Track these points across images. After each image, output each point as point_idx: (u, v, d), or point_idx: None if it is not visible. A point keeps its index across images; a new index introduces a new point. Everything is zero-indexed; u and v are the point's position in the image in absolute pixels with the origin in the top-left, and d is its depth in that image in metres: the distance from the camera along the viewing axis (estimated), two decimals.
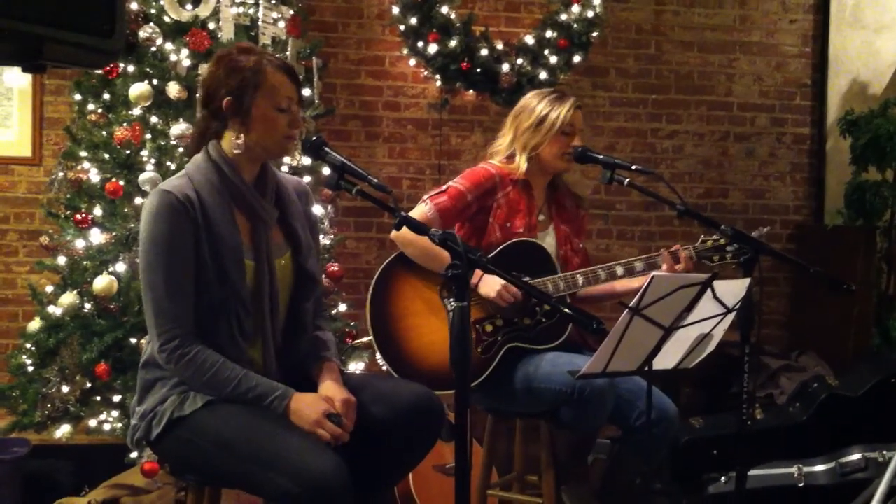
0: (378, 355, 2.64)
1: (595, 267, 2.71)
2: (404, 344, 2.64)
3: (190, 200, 2.02)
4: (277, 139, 2.11)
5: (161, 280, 2.01)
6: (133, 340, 3.15)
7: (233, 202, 2.10)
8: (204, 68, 3.24)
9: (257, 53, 2.11)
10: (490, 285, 2.62)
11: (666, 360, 2.27)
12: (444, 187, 2.74)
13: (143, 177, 3.18)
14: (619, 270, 2.70)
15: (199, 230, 2.03)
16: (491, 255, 2.69)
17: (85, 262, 3.23)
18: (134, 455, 3.07)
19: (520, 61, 4.28)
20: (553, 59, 4.27)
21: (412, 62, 4.36)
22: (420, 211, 2.68)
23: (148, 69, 3.27)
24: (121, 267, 3.19)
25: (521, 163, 2.76)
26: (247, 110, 2.07)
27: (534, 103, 2.78)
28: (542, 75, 4.24)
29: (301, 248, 2.21)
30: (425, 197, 2.73)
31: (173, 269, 2.01)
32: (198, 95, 3.17)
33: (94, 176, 3.27)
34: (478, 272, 2.57)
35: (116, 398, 3.17)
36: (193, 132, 2.19)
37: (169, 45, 3.29)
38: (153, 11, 3.30)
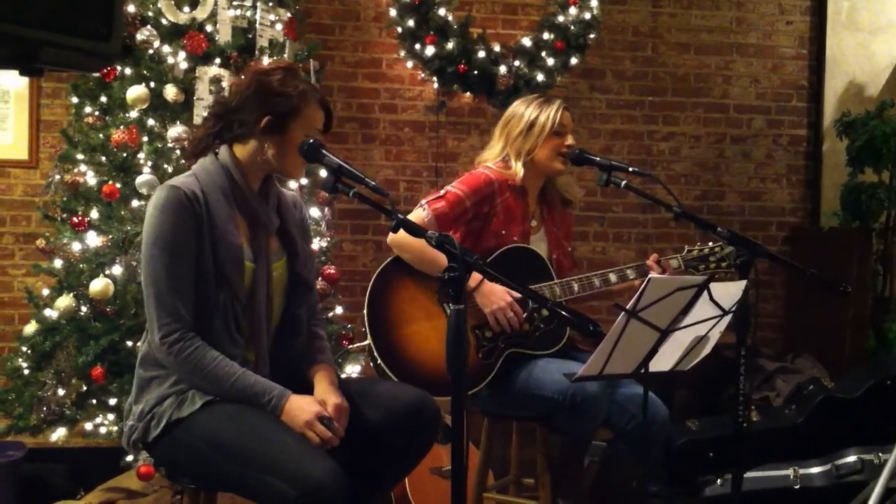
0: (373, 361, 2.60)
1: (588, 274, 2.71)
2: (404, 350, 2.60)
3: (196, 197, 2.05)
4: (299, 164, 2.17)
5: (164, 273, 2.02)
6: (129, 343, 3.15)
7: (236, 206, 2.13)
8: (202, 70, 3.26)
9: (303, 81, 2.18)
10: (490, 298, 2.59)
11: (662, 362, 2.27)
12: (441, 192, 2.71)
13: (139, 180, 3.18)
14: (613, 277, 2.70)
15: (203, 227, 2.05)
16: (485, 261, 2.68)
17: (81, 265, 3.22)
18: (130, 458, 3.06)
19: (517, 63, 4.27)
20: (550, 62, 4.26)
21: (409, 64, 4.36)
22: (417, 216, 2.65)
23: (145, 72, 3.27)
24: (117, 270, 3.19)
25: (518, 169, 2.74)
26: (283, 132, 2.12)
27: (521, 109, 2.78)
28: (539, 77, 4.24)
29: (297, 256, 2.25)
30: (423, 202, 2.70)
31: (176, 263, 2.02)
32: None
33: (91, 179, 3.28)
34: (476, 276, 2.54)
35: (112, 401, 3.17)
36: (202, 131, 2.19)
37: (166, 48, 3.29)
38: (150, 14, 3.30)
